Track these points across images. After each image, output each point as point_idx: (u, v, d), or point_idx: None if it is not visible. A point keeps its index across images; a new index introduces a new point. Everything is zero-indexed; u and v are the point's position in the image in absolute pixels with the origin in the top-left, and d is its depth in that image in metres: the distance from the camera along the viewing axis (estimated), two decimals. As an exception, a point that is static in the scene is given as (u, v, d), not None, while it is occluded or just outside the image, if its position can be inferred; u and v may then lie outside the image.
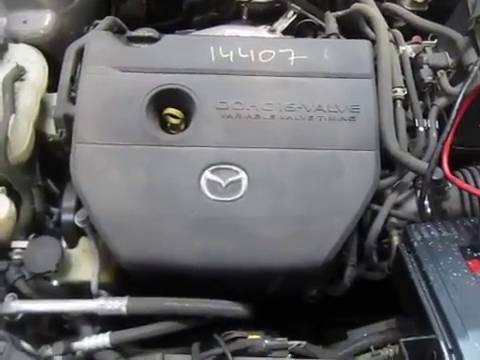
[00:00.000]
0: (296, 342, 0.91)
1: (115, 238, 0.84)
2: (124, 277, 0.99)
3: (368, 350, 0.92)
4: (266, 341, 0.90)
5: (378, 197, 0.92)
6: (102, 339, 0.84)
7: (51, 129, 1.04)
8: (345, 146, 0.88)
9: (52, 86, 1.03)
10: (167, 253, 0.84)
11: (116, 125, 0.89)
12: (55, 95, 1.05)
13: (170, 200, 0.85)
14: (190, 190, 0.86)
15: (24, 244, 0.92)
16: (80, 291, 0.98)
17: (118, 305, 0.85)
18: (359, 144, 0.88)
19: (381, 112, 0.91)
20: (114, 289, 0.95)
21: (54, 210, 1.04)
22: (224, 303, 0.89)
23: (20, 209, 0.94)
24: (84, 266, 0.95)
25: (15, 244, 0.92)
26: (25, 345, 0.86)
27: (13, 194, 0.94)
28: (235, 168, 0.87)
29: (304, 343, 0.91)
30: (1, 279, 0.94)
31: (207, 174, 0.86)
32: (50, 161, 1.07)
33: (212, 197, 0.85)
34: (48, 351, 0.84)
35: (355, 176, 0.87)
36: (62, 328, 1.01)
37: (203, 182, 0.86)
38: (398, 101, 0.95)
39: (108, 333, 0.86)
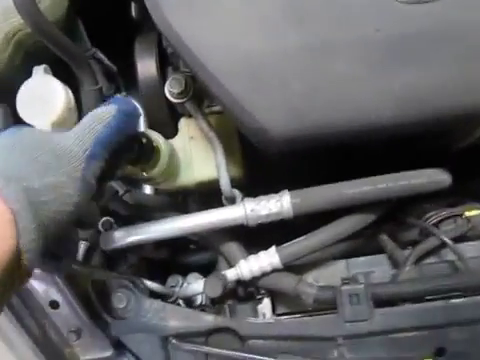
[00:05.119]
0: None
1: (255, 102, 0.51)
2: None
3: None
4: (490, 214, 0.62)
5: None
6: (268, 260, 0.56)
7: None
8: None
9: None
10: (344, 108, 0.51)
11: None
12: None
13: (331, 19, 0.50)
14: (363, -4, 0.50)
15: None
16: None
17: (278, 205, 0.55)
18: None
19: None
20: (243, 188, 0.65)
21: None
22: (424, 173, 0.59)
23: (80, 94, 0.61)
24: (196, 161, 0.64)
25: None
26: (152, 285, 0.59)
27: (63, 74, 0.60)
28: None
29: None
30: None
31: (385, -37, 0.50)
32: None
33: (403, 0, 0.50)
34: (194, 287, 0.57)
35: None
36: (173, 248, 0.73)
37: (381, -22, 0.50)
38: None
39: (272, 249, 0.57)
